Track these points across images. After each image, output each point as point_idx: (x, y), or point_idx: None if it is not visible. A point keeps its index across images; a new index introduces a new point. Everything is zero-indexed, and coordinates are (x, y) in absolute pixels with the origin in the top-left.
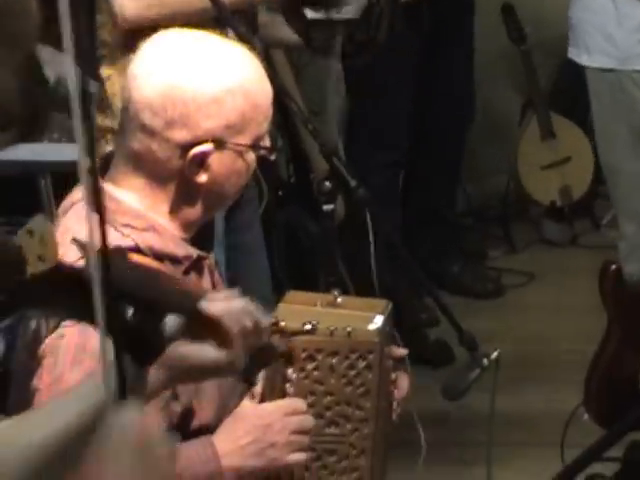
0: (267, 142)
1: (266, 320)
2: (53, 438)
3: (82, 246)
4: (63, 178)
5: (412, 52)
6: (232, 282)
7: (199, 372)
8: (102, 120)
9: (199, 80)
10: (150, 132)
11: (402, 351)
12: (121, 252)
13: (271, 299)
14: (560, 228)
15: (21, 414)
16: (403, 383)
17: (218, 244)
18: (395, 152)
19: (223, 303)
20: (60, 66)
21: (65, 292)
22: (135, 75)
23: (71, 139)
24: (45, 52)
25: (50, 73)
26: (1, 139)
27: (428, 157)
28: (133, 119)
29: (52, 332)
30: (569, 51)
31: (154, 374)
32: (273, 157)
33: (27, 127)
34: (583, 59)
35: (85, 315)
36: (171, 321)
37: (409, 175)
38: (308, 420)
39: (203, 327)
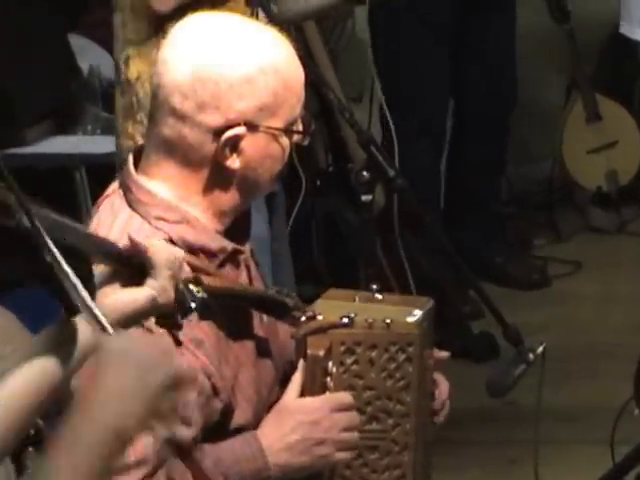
0: (300, 127)
1: (181, 252)
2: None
3: None
4: (98, 170)
5: (445, 33)
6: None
7: (136, 313)
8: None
9: (230, 59)
10: (181, 116)
11: (444, 354)
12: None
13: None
14: (607, 215)
15: None
16: (443, 387)
17: (264, 248)
18: (431, 138)
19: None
20: (93, 57)
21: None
22: (164, 59)
23: (104, 131)
24: (78, 43)
25: (83, 64)
26: (36, 132)
27: (470, 145)
28: (163, 104)
29: None
30: (621, 26)
31: (92, 330)
32: (306, 142)
33: (61, 119)
34: (636, 33)
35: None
36: (99, 270)
37: (451, 163)
38: (355, 417)
39: (127, 267)
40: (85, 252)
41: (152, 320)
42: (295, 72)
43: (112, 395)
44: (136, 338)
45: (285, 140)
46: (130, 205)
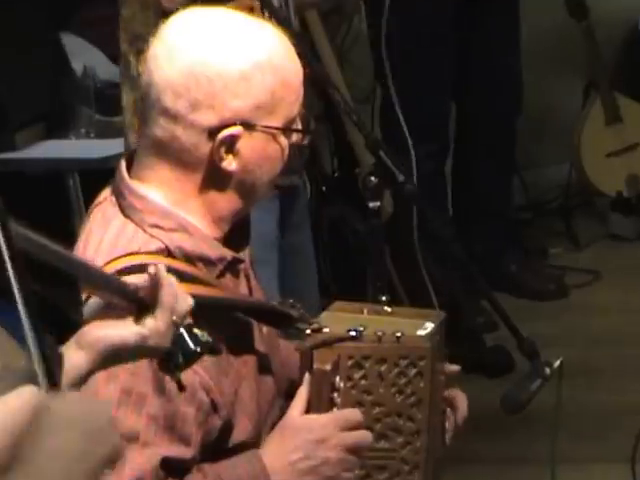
0: (299, 126)
1: (190, 299)
2: None
3: None
4: (92, 176)
5: (446, 36)
6: (280, 282)
7: (122, 350)
8: None
9: (225, 56)
10: (173, 116)
11: (455, 367)
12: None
13: (318, 303)
14: (628, 221)
15: None
16: (461, 403)
17: (271, 246)
18: (435, 143)
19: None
20: (87, 57)
21: None
22: (155, 55)
23: (99, 134)
24: (71, 42)
25: (76, 64)
26: (26, 135)
27: (475, 147)
28: (155, 103)
29: None
30: None
31: (76, 358)
32: (306, 142)
33: (53, 122)
34: None
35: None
36: (93, 303)
37: (458, 168)
38: (365, 435)
39: (125, 301)
40: (77, 280)
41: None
42: (293, 69)
43: (54, 459)
44: (82, 402)
45: (284, 140)
46: (123, 212)
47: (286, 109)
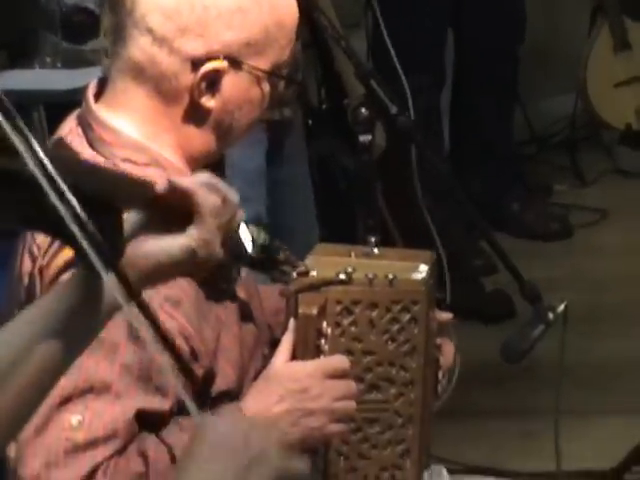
0: (284, 73)
1: (236, 196)
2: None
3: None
4: (58, 109)
5: None
6: (274, 217)
7: (170, 266)
8: None
9: None
10: (158, 39)
11: (447, 315)
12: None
13: (317, 240)
14: (637, 155)
15: None
16: (448, 351)
17: (256, 183)
18: (429, 74)
19: (186, 179)
20: None
21: (9, 194)
22: None
23: (66, 64)
24: None
25: None
26: None
27: (475, 78)
28: (137, 23)
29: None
30: None
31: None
32: (291, 91)
33: (15, 51)
34: None
35: (32, 216)
36: (131, 217)
37: (456, 101)
38: (352, 384)
39: (166, 214)
40: (112, 197)
41: None
42: (291, 10)
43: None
44: (242, 426)
45: (266, 85)
46: (91, 145)
47: (276, 53)
